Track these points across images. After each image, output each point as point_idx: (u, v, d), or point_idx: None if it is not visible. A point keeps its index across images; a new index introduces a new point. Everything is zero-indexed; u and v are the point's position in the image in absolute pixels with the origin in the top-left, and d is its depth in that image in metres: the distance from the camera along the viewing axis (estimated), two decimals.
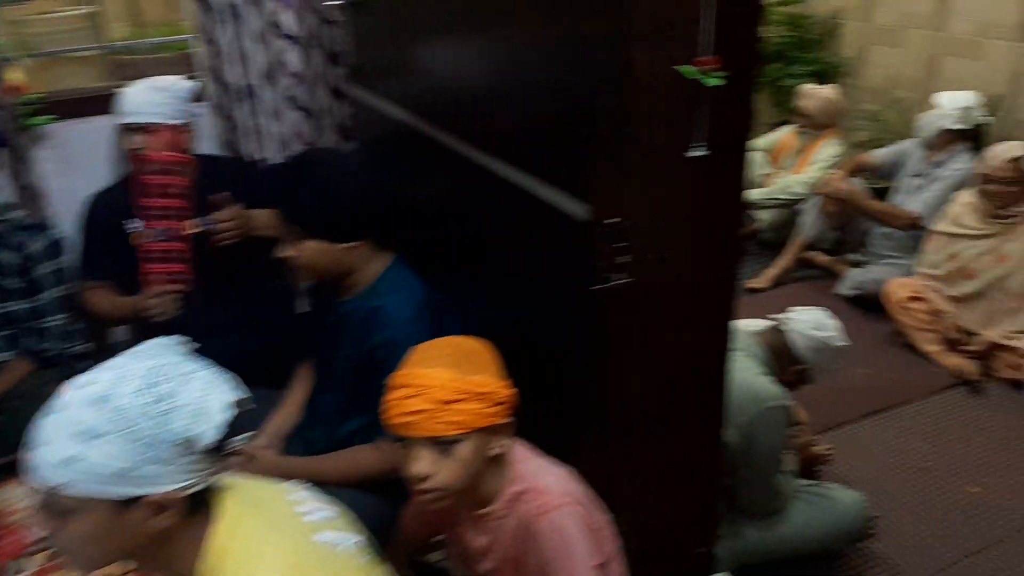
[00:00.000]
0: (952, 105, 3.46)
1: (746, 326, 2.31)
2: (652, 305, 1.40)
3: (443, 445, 1.28)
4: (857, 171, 3.85)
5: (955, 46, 4.08)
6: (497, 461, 1.36)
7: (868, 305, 3.60)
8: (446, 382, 1.27)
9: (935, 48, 4.19)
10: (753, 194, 4.21)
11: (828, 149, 4.09)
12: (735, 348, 2.14)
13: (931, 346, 3.24)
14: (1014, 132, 3.83)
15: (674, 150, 1.28)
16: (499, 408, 1.31)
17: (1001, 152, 3.05)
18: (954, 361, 3.14)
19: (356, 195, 1.69)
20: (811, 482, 2.29)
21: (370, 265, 1.76)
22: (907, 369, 3.21)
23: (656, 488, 1.60)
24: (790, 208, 4.09)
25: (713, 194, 1.37)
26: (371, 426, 1.58)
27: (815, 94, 4.06)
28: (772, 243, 4.28)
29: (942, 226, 3.29)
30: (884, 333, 3.46)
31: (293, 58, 2.55)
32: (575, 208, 1.33)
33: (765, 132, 4.74)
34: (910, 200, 3.59)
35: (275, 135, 2.65)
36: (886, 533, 2.36)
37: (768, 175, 4.38)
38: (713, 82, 1.21)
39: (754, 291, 3.92)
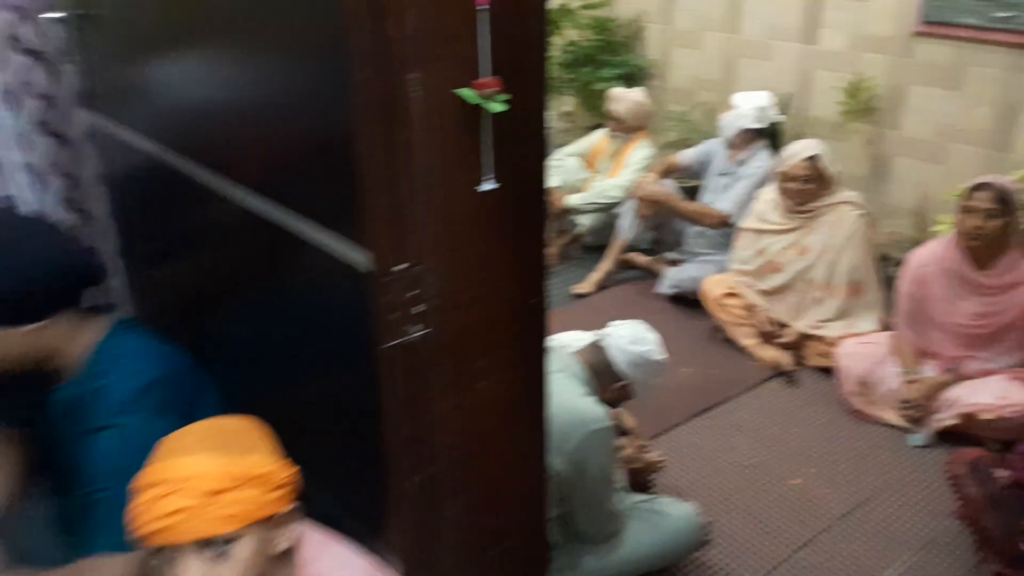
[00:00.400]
0: (748, 105, 3.59)
1: (564, 344, 2.23)
2: (457, 354, 1.25)
3: (216, 547, 1.07)
4: (667, 172, 3.93)
5: (748, 48, 4.27)
6: (285, 559, 1.16)
7: (688, 302, 3.68)
8: (211, 469, 1.06)
9: (730, 50, 4.38)
10: (572, 200, 4.21)
11: (640, 152, 4.15)
12: (555, 369, 2.07)
13: (748, 340, 3.34)
14: (805, 128, 4.07)
15: (463, 183, 1.14)
16: (280, 493, 1.11)
17: (796, 152, 3.19)
18: (769, 353, 3.25)
19: (29, 261, 1.35)
20: (644, 497, 2.25)
21: (76, 340, 1.44)
22: (728, 364, 3.29)
23: (482, 548, 1.45)
24: (608, 212, 4.11)
25: (512, 228, 1.23)
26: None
27: (624, 97, 4.11)
28: (594, 247, 4.30)
29: (749, 223, 3.41)
30: (704, 329, 3.54)
31: (39, 77, 2.18)
32: (355, 256, 1.15)
33: (579, 136, 4.78)
34: (718, 198, 3.70)
35: (22, 166, 2.26)
36: (720, 537, 2.37)
37: (585, 180, 4.40)
38: (496, 108, 1.08)
39: (579, 296, 3.90)
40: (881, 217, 3.81)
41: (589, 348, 2.15)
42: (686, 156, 3.92)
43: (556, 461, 1.92)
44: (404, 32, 1.00)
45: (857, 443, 2.79)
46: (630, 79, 4.86)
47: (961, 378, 2.74)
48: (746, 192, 3.55)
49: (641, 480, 2.52)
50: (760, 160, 3.60)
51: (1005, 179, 2.69)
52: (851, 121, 3.77)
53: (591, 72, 4.85)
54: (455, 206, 1.14)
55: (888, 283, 3.51)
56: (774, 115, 3.65)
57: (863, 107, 3.72)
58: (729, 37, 4.36)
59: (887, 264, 3.59)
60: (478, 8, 1.04)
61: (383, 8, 0.99)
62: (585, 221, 4.26)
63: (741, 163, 3.66)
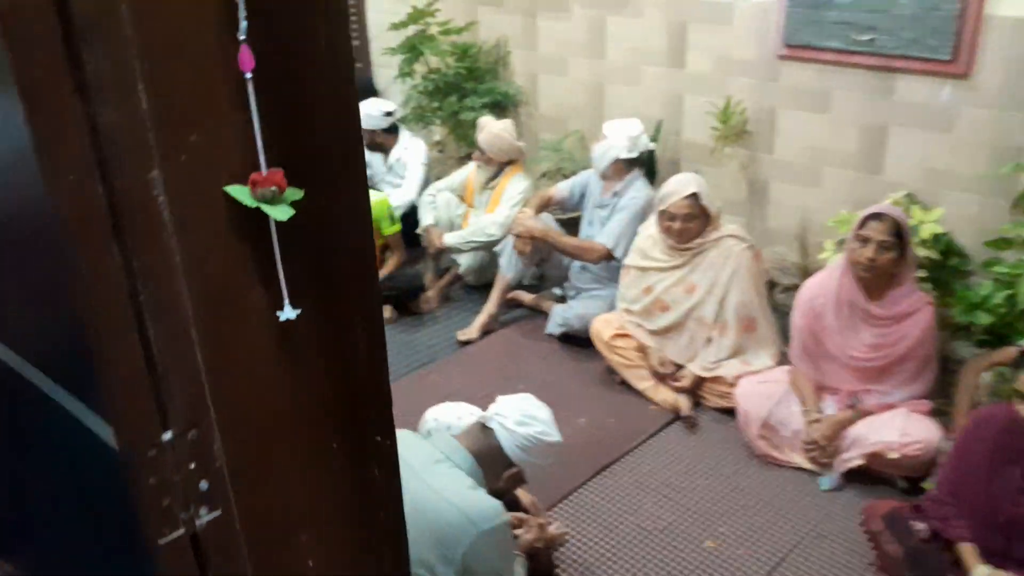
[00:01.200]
0: (619, 135, 3.46)
1: (445, 424, 1.98)
2: (264, 536, 0.94)
3: None
4: (544, 206, 3.74)
5: (615, 73, 4.16)
6: None
7: (579, 342, 3.49)
8: None
9: (597, 76, 4.25)
10: (448, 238, 3.95)
11: (516, 185, 3.95)
12: (435, 459, 1.81)
13: (643, 383, 3.18)
14: (679, 153, 3.99)
15: (251, 313, 0.84)
16: None
17: (676, 190, 3.05)
18: (666, 396, 3.10)
19: None
20: None
21: None
22: (625, 411, 3.12)
23: None
24: (488, 249, 3.88)
25: (326, 364, 0.94)
26: None
27: (485, 128, 3.90)
28: (477, 286, 4.07)
29: (633, 261, 3.25)
30: (597, 372, 3.37)
31: None
32: (102, 427, 0.83)
33: (453, 168, 4.53)
34: (598, 231, 3.55)
35: None
36: None
37: (462, 215, 4.15)
38: (281, 214, 0.78)
39: (464, 343, 3.64)
40: (764, 243, 3.76)
41: (474, 431, 1.91)
42: (561, 188, 3.75)
43: (442, 571, 1.66)
44: (132, 115, 0.70)
45: (767, 492, 2.66)
46: (499, 107, 4.65)
47: (862, 413, 2.67)
48: (625, 224, 3.41)
49: (545, 561, 2.29)
50: (636, 190, 3.47)
51: (898, 209, 2.65)
52: (725, 146, 3.71)
53: (457, 101, 4.61)
54: (240, 344, 0.84)
55: (778, 311, 3.47)
56: (646, 143, 3.54)
57: (735, 131, 3.66)
58: (595, 62, 4.23)
59: (775, 290, 3.55)
60: (246, 76, 0.75)
61: (90, 79, 0.67)
62: (465, 260, 4.01)
63: (617, 194, 3.52)
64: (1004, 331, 2.88)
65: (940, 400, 2.91)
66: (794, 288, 3.53)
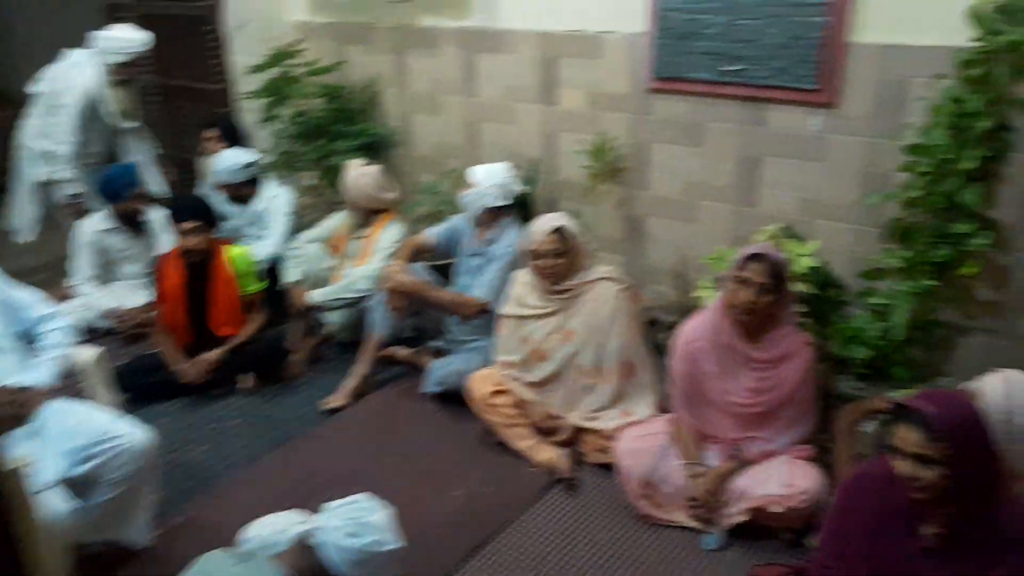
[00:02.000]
0: (488, 182, 3.27)
1: (265, 542, 1.69)
2: None
3: None
4: (416, 255, 3.50)
5: (489, 111, 3.99)
6: None
7: (459, 398, 3.23)
8: None
9: (471, 114, 4.07)
10: (315, 295, 3.66)
11: (388, 234, 3.70)
12: None
13: (523, 442, 2.95)
14: (557, 193, 3.83)
15: None
16: None
17: (541, 227, 2.88)
18: (546, 455, 2.88)
19: None
20: None
21: None
22: (503, 477, 2.87)
23: None
24: (359, 306, 3.60)
25: None
26: None
27: (348, 174, 3.65)
28: (349, 344, 3.77)
29: (509, 309, 3.04)
30: (476, 434, 3.12)
31: None
32: None
33: (321, 218, 4.25)
34: (473, 282, 3.33)
35: None
36: None
37: (331, 269, 3.87)
38: None
39: (332, 411, 3.34)
40: (643, 281, 3.63)
41: (295, 551, 1.62)
42: (431, 235, 3.52)
43: None
44: None
45: (650, 556, 2.45)
46: (372, 149, 4.42)
47: (744, 463, 2.51)
48: (501, 274, 3.21)
49: None
50: (510, 238, 3.28)
51: (776, 250, 2.52)
52: (600, 183, 3.56)
53: (327, 144, 4.35)
54: None
55: (660, 351, 3.31)
56: (517, 188, 3.35)
57: (610, 168, 3.53)
58: (468, 100, 4.05)
59: (656, 330, 3.39)
60: None
61: None
62: (334, 318, 3.72)
63: (491, 242, 3.32)
64: (882, 364, 2.78)
65: (823, 436, 2.78)
66: (677, 327, 3.39)
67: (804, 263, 2.83)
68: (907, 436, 1.68)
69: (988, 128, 2.45)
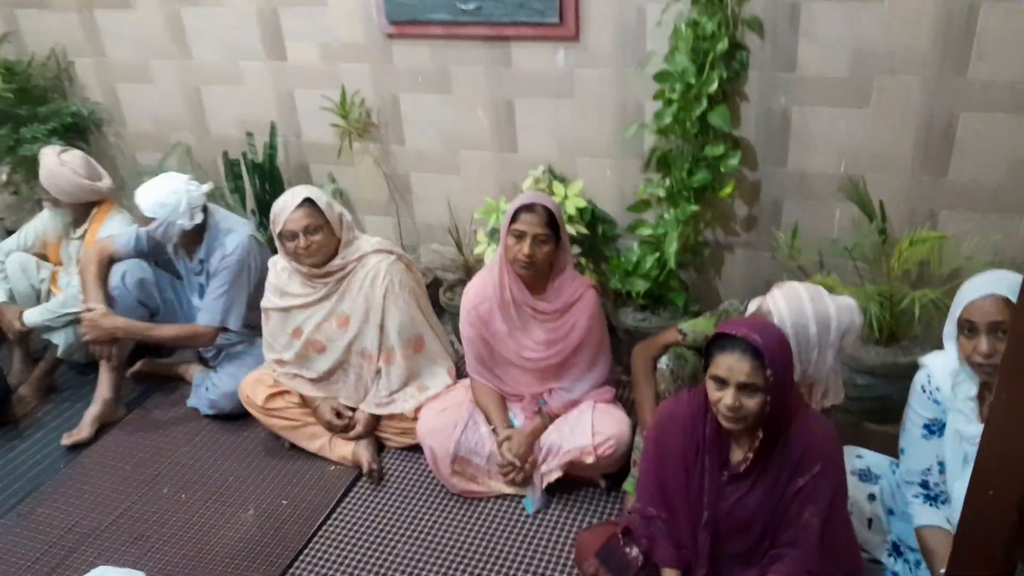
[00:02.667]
0: (163, 211, 2.75)
1: None
2: None
3: None
4: (106, 271, 2.91)
5: (210, 74, 3.50)
6: None
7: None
8: None
9: (189, 79, 3.56)
10: (31, 316, 3.05)
11: (111, 228, 3.14)
12: None
13: (316, 442, 2.69)
14: (303, 157, 3.48)
15: None
16: None
17: (285, 204, 2.52)
18: (344, 451, 2.64)
19: None
20: None
21: None
22: (302, 483, 2.60)
23: None
24: None
25: None
26: None
27: (44, 166, 3.04)
28: (87, 365, 3.22)
29: (271, 301, 2.70)
30: (262, 440, 2.80)
31: None
32: None
33: (24, 220, 3.55)
34: (199, 302, 2.96)
35: None
36: None
37: (50, 279, 3.25)
38: None
39: (74, 448, 2.83)
40: (419, 241, 3.44)
41: None
42: (124, 241, 2.94)
43: None
44: None
45: (474, 532, 2.34)
46: (75, 132, 3.75)
47: (551, 417, 2.46)
48: (227, 288, 2.83)
49: None
50: (225, 246, 2.83)
51: (548, 198, 2.41)
52: (352, 142, 3.27)
53: (12, 132, 3.61)
54: None
55: (448, 313, 3.16)
56: (202, 192, 2.84)
57: (360, 125, 3.25)
58: (182, 63, 3.53)
59: (441, 291, 3.23)
60: None
61: None
62: (62, 338, 3.12)
63: (203, 261, 2.90)
64: (661, 292, 2.85)
65: (619, 371, 2.83)
66: (460, 285, 3.26)
67: (573, 204, 2.79)
68: (736, 366, 1.66)
69: (725, 50, 2.50)
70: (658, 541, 1.88)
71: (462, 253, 3.21)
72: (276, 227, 2.54)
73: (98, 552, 2.39)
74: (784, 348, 1.72)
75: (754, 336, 1.67)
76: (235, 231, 2.85)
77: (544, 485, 2.40)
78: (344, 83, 3.21)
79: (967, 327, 1.79)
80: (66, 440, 2.83)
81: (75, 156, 3.07)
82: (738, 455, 1.82)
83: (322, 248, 2.55)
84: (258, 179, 3.40)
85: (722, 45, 2.49)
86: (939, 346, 2.54)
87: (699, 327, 2.26)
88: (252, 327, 2.91)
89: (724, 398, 1.70)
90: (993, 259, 2.48)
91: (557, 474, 2.37)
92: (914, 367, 2.49)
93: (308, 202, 2.53)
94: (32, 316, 3.05)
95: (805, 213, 2.74)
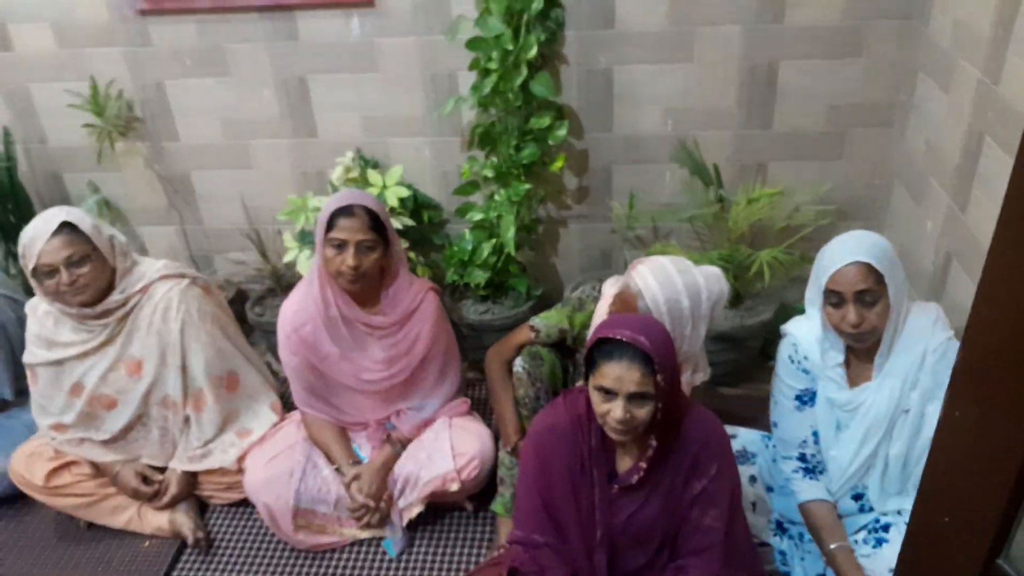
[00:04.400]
0: None
1: None
2: None
3: None
4: None
5: None
6: None
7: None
8: None
9: None
10: None
11: None
12: None
13: (121, 516, 2.23)
14: (53, 165, 2.87)
15: None
16: None
17: (36, 233, 1.98)
18: (157, 523, 2.21)
19: None
20: None
21: None
22: (112, 570, 2.14)
23: None
24: None
25: None
26: None
27: None
28: None
29: (36, 355, 2.15)
30: (48, 522, 2.29)
31: None
32: None
33: None
34: None
35: None
36: None
37: None
38: None
39: None
40: (213, 251, 2.96)
41: None
42: None
43: None
44: None
45: None
46: None
47: (402, 443, 2.17)
48: None
49: None
50: None
51: (368, 196, 2.06)
52: (113, 142, 2.72)
53: None
54: None
55: (258, 332, 2.75)
56: None
57: (120, 122, 2.70)
58: None
59: (248, 306, 2.80)
60: None
61: None
62: None
63: None
64: (501, 280, 2.62)
65: (465, 367, 2.59)
66: (270, 296, 2.85)
67: (394, 194, 2.47)
68: (625, 375, 1.46)
69: (540, 9, 2.26)
70: (550, 572, 1.68)
71: (267, 260, 2.79)
72: (29, 263, 2.00)
73: None
74: (669, 346, 1.54)
75: (641, 339, 1.47)
76: None
77: (405, 522, 2.12)
78: (93, 73, 2.64)
79: (833, 298, 1.71)
80: None
81: None
82: (626, 463, 1.65)
83: (92, 282, 2.05)
84: None
85: (537, 4, 2.24)
86: (779, 303, 2.56)
87: (552, 321, 2.06)
88: (20, 392, 2.36)
89: (613, 411, 1.50)
90: (822, 208, 2.49)
91: (419, 508, 2.09)
92: (761, 328, 2.49)
93: (67, 227, 2.01)
94: None
95: (636, 178, 2.60)
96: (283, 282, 2.80)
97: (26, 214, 2.79)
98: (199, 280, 2.25)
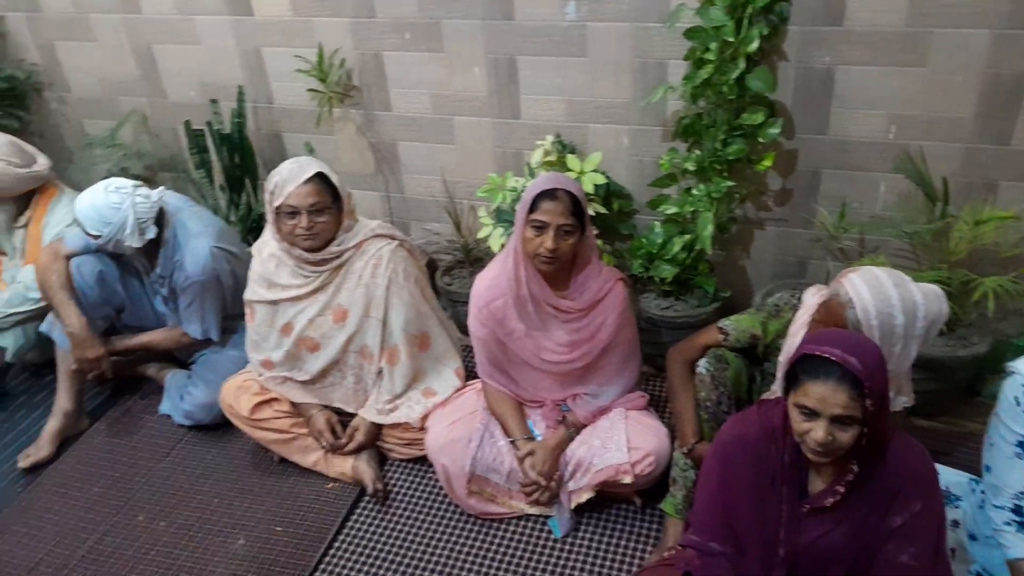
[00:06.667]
0: (104, 228, 2.35)
1: None
2: None
3: None
4: (67, 272, 2.50)
5: (161, 31, 3.07)
6: None
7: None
8: None
9: (138, 36, 3.12)
10: None
11: (59, 214, 2.77)
12: None
13: (310, 456, 2.40)
14: (275, 125, 3.10)
15: None
16: None
17: (290, 175, 2.17)
18: (343, 467, 2.36)
19: None
20: None
21: None
22: (295, 506, 2.32)
23: None
24: (42, 317, 2.68)
25: None
26: None
27: None
28: (42, 367, 2.88)
29: (256, 293, 2.36)
30: (249, 453, 2.51)
31: None
32: None
33: None
34: (166, 308, 2.64)
35: None
36: None
37: None
38: None
39: (32, 470, 2.50)
40: (411, 218, 3.10)
41: None
42: (74, 243, 2.51)
43: None
44: None
45: (499, 556, 2.09)
46: (11, 98, 3.31)
47: (577, 427, 2.19)
48: (201, 304, 2.52)
49: None
50: (191, 263, 2.44)
51: (571, 180, 2.09)
52: (332, 108, 2.90)
53: None
54: None
55: (445, 297, 2.86)
56: (150, 208, 2.39)
57: (340, 88, 2.87)
58: (128, 18, 3.09)
59: (438, 274, 2.92)
60: None
61: None
62: (10, 341, 2.76)
63: (162, 277, 2.54)
64: (688, 277, 2.57)
65: (650, 368, 2.56)
66: (458, 267, 2.95)
67: (591, 180, 2.47)
68: (830, 397, 1.40)
69: (767, 3, 2.18)
70: None
71: (461, 234, 2.89)
72: (275, 200, 2.19)
73: None
74: (882, 368, 1.46)
75: (851, 360, 1.40)
76: (196, 245, 2.45)
77: (573, 505, 2.14)
78: (320, 40, 2.82)
79: None
80: (24, 462, 2.50)
81: (2, 143, 2.65)
82: (820, 483, 1.58)
83: (324, 232, 2.23)
84: (227, 151, 3.01)
85: None
86: (998, 336, 2.35)
87: (744, 325, 1.99)
88: (226, 330, 2.59)
89: (814, 432, 1.44)
90: None
91: (588, 494, 2.11)
92: (973, 361, 2.30)
93: (318, 176, 2.19)
94: None
95: (846, 185, 2.46)
96: (472, 255, 2.89)
97: (249, 167, 3.04)
98: (407, 243, 2.38)
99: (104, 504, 2.37)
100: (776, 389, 1.89)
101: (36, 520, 2.33)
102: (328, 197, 2.22)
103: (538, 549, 2.11)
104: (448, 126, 2.85)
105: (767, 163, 2.36)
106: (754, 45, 2.19)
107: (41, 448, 2.53)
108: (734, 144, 2.33)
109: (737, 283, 2.70)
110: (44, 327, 2.58)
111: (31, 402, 2.81)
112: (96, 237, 2.37)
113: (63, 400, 2.59)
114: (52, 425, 2.57)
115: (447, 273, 2.92)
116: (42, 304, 2.62)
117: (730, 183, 2.36)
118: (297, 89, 2.92)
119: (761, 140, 2.31)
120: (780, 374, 1.79)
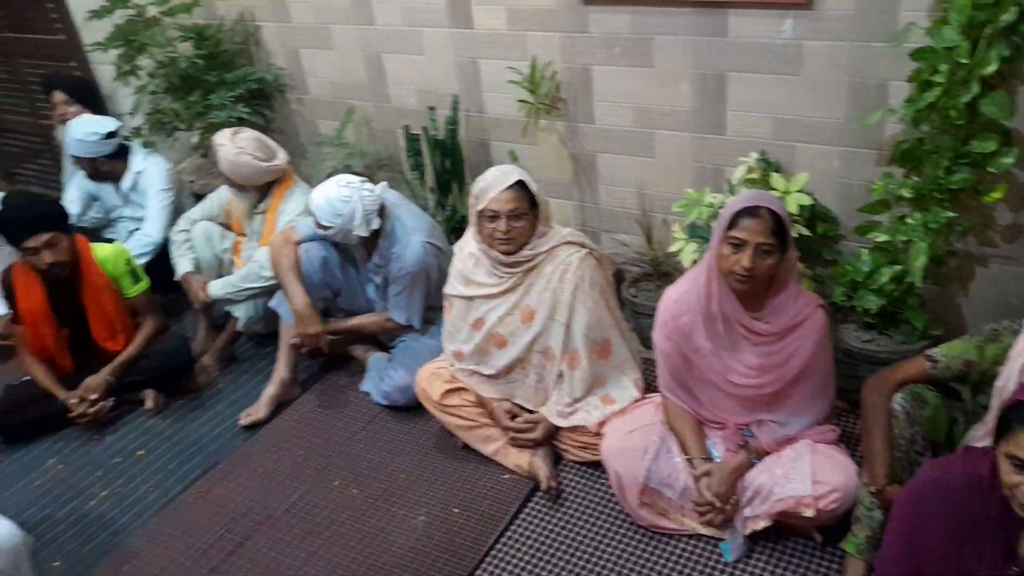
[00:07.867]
0: (337, 220, 2.64)
1: None
2: None
3: None
4: (296, 258, 2.81)
5: (391, 41, 3.34)
6: None
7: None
8: None
9: (370, 45, 3.42)
10: (215, 289, 3.07)
11: (293, 203, 3.09)
12: None
13: (490, 445, 2.52)
14: (484, 133, 3.27)
15: None
16: None
17: (495, 181, 2.32)
18: (521, 459, 2.46)
19: None
20: None
21: None
22: (474, 491, 2.44)
23: None
24: (272, 294, 3.02)
25: None
26: None
27: (219, 153, 2.98)
28: (267, 337, 3.22)
29: (455, 288, 2.52)
30: (434, 436, 2.67)
31: None
32: None
33: (211, 184, 3.59)
34: (377, 296, 2.90)
35: None
36: None
37: (232, 248, 3.26)
38: None
39: (252, 427, 2.82)
40: (602, 229, 3.16)
41: None
42: (305, 232, 2.83)
43: None
44: None
45: (661, 573, 2.10)
46: (259, 98, 3.73)
47: (758, 454, 2.14)
48: (409, 294, 2.78)
49: None
50: (409, 255, 2.69)
51: (775, 199, 2.06)
52: (538, 118, 3.02)
53: (202, 98, 3.63)
54: None
55: (629, 309, 2.88)
56: (374, 201, 2.68)
57: (548, 100, 2.98)
58: (363, 29, 3.39)
59: (623, 285, 2.95)
60: None
61: None
62: (243, 311, 3.13)
63: (379, 265, 2.79)
64: (895, 310, 2.43)
65: (843, 403, 2.44)
66: (645, 280, 2.96)
67: (795, 201, 2.40)
68: None
69: (1011, 21, 2.01)
70: None
71: (651, 247, 2.90)
72: (479, 204, 2.35)
73: (271, 543, 2.35)
74: None
75: None
76: (411, 239, 2.70)
77: (747, 532, 2.09)
78: (532, 53, 2.95)
79: None
80: (244, 420, 2.83)
81: (249, 139, 3.01)
82: None
83: (519, 236, 2.36)
84: (439, 155, 3.22)
85: (1008, 15, 2.00)
86: None
87: (955, 351, 1.87)
88: (427, 320, 2.79)
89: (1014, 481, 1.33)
90: None
91: (765, 522, 2.05)
92: None
93: (519, 184, 2.32)
94: (216, 289, 3.07)
95: None
96: (660, 269, 2.89)
97: (458, 171, 3.23)
98: (596, 252, 2.44)
99: (306, 466, 2.62)
100: (987, 423, 1.75)
101: (249, 472, 2.63)
102: (526, 204, 2.33)
103: (707, 570, 2.09)
104: (648, 139, 2.88)
105: (997, 195, 2.18)
106: (991, 68, 2.03)
107: (259, 409, 2.84)
108: (959, 173, 2.17)
109: (950, 321, 2.51)
110: (272, 303, 2.91)
111: (253, 368, 3.16)
112: (327, 228, 2.64)
113: (281, 369, 2.90)
114: (270, 390, 2.88)
115: (633, 285, 2.95)
116: (272, 282, 2.94)
117: (951, 214, 2.20)
118: (507, 100, 3.07)
119: (991, 170, 2.14)
120: (991, 416, 1.66)
